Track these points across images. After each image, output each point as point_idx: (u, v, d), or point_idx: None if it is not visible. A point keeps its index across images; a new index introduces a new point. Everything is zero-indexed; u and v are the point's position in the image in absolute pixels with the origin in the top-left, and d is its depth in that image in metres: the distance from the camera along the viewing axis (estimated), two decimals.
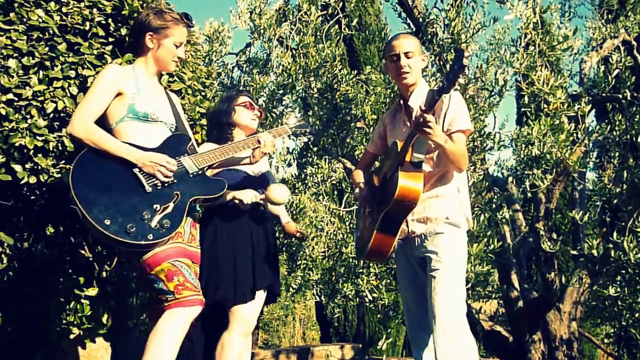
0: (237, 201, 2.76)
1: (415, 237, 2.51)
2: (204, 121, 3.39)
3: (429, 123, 2.21)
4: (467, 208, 2.57)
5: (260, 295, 2.80)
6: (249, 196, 2.77)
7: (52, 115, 2.71)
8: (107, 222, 2.17)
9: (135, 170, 2.30)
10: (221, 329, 2.76)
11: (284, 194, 2.83)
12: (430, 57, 2.71)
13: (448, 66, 2.14)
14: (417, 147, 2.33)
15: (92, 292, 3.20)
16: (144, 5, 3.02)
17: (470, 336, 2.37)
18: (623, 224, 3.92)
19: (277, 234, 3.21)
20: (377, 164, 2.94)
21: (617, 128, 4.21)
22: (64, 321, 3.16)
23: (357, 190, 2.61)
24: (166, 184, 2.32)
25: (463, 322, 2.36)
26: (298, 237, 3.12)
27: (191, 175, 2.39)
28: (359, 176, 2.69)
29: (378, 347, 8.27)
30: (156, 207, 2.26)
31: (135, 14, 2.92)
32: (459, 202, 2.52)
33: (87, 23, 2.88)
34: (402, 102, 2.64)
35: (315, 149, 4.98)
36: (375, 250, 2.46)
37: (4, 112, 2.61)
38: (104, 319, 3.31)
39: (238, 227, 2.81)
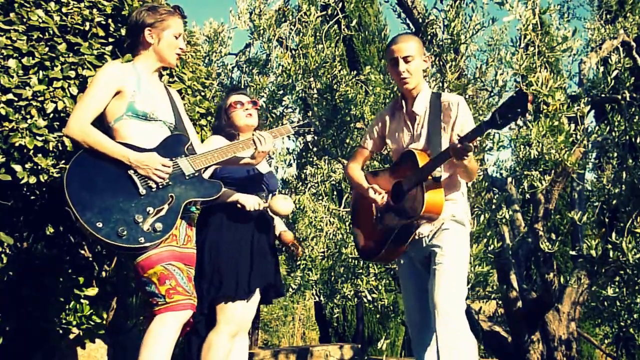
0: (239, 205, 2.75)
1: (422, 237, 2.52)
2: (203, 121, 3.40)
3: (470, 153, 2.25)
4: (467, 210, 2.62)
5: (255, 295, 2.78)
6: (251, 203, 2.75)
7: (52, 115, 2.72)
8: (99, 224, 2.16)
9: (130, 172, 2.28)
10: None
11: (287, 206, 2.80)
12: (430, 58, 2.68)
13: (503, 101, 2.15)
14: None
15: (92, 292, 3.20)
16: (144, 5, 3.03)
17: (470, 332, 2.37)
18: (622, 224, 3.93)
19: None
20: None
21: (616, 129, 4.21)
22: (64, 321, 3.16)
23: (376, 196, 2.55)
24: (160, 186, 2.30)
25: (463, 317, 2.37)
26: (292, 249, 3.08)
27: (187, 177, 2.37)
28: (362, 177, 2.68)
29: (377, 347, 8.27)
30: (149, 210, 2.24)
31: None
32: (462, 205, 2.56)
33: (87, 23, 2.88)
34: (403, 102, 2.62)
35: (315, 149, 4.99)
36: (386, 257, 2.59)
37: (4, 112, 2.62)
38: (103, 319, 3.31)
39: (240, 226, 2.79)
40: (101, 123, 2.36)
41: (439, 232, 2.48)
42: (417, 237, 2.52)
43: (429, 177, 2.37)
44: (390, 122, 2.66)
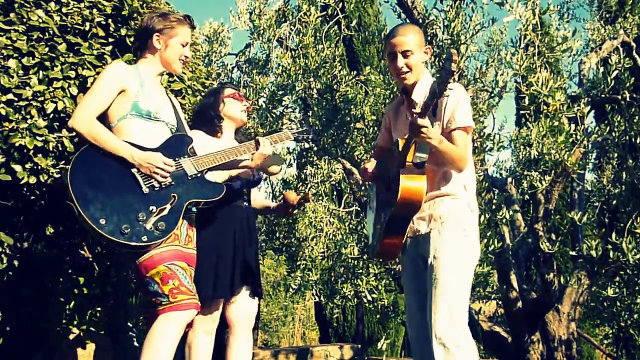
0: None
1: (420, 235, 2.43)
2: None
3: (423, 128, 2.13)
4: (474, 206, 2.45)
5: (245, 293, 2.81)
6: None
7: (52, 115, 2.72)
8: (103, 221, 2.16)
9: (133, 170, 2.29)
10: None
11: (277, 167, 2.90)
12: (430, 49, 2.62)
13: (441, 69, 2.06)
14: (419, 147, 2.24)
15: (92, 292, 3.20)
16: (144, 5, 3.03)
17: (470, 345, 2.26)
18: (622, 224, 3.93)
19: (261, 233, 3.20)
20: None
21: (616, 129, 4.21)
22: (64, 321, 3.16)
23: (365, 166, 2.55)
24: (163, 186, 2.31)
25: (462, 331, 2.26)
26: (301, 202, 3.02)
27: (189, 178, 2.38)
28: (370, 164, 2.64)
29: (377, 348, 8.27)
30: (152, 209, 2.25)
31: (136, 14, 2.93)
32: (466, 200, 2.41)
33: (87, 23, 2.88)
34: (405, 95, 2.55)
35: (315, 149, 4.99)
36: (385, 250, 2.45)
37: (4, 112, 2.62)
38: (104, 319, 3.31)
39: (221, 226, 2.78)
40: (103, 123, 2.36)
41: (437, 236, 2.37)
42: (415, 234, 2.45)
43: (408, 162, 2.24)
44: (393, 118, 2.61)
